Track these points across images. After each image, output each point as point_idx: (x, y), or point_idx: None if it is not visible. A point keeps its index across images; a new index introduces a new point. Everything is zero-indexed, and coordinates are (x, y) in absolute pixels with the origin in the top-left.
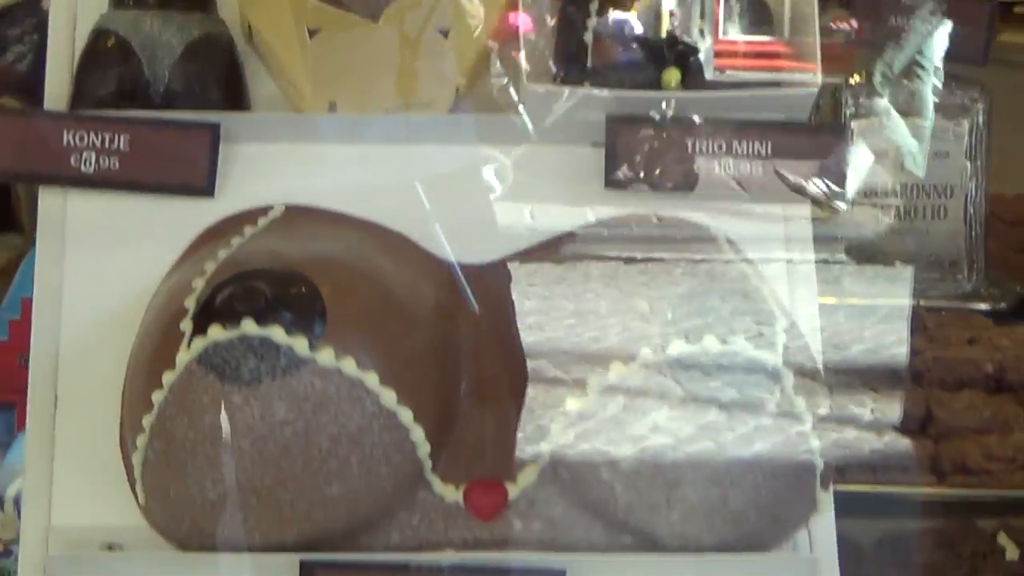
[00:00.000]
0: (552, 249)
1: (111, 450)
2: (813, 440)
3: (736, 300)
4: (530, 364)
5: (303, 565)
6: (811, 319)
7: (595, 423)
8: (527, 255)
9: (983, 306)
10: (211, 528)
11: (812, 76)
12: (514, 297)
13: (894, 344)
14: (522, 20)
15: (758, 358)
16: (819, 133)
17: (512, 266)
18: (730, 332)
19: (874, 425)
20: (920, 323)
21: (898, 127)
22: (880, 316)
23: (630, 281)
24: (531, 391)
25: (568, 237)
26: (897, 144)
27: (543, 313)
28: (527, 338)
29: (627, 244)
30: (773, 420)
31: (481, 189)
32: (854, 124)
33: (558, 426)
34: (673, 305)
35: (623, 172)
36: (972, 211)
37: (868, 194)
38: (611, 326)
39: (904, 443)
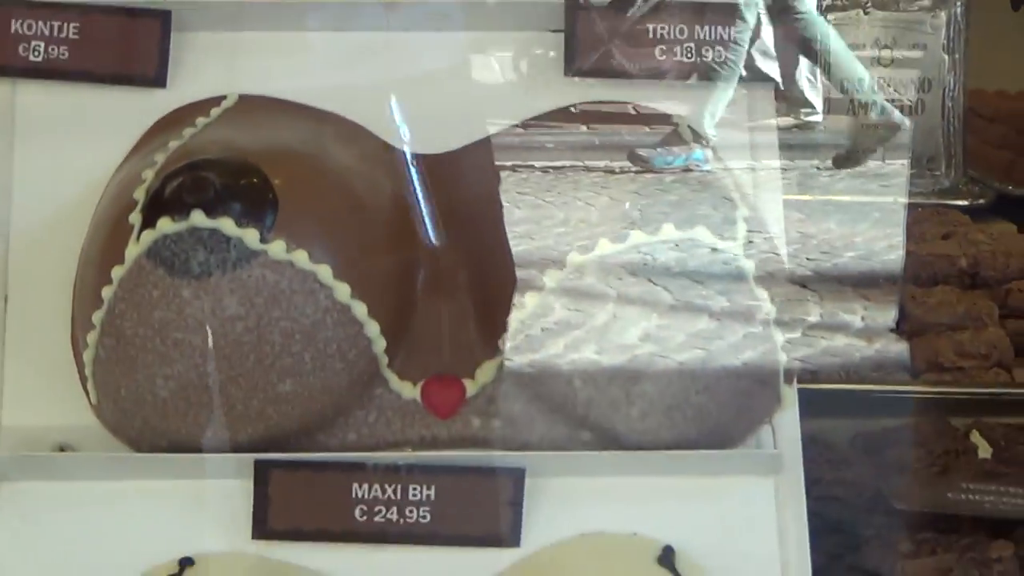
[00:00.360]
0: (511, 138)
1: (62, 348)
2: (776, 335)
3: (696, 191)
4: (519, 273)
5: (258, 464)
6: (777, 222)
7: (584, 332)
8: (485, 144)
9: (961, 202)
10: (163, 427)
11: None
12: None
13: (885, 251)
14: None
15: (717, 247)
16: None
17: (503, 174)
18: (689, 222)
19: (865, 332)
20: None
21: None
22: (872, 221)
23: (619, 188)
24: (519, 300)
25: (528, 126)
26: (874, 38)
27: (533, 222)
28: (516, 247)
29: (587, 135)
30: (737, 314)
31: (438, 77)
32: (831, 17)
33: (546, 335)
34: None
35: (582, 59)
36: (950, 105)
37: (846, 89)
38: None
39: (897, 348)
